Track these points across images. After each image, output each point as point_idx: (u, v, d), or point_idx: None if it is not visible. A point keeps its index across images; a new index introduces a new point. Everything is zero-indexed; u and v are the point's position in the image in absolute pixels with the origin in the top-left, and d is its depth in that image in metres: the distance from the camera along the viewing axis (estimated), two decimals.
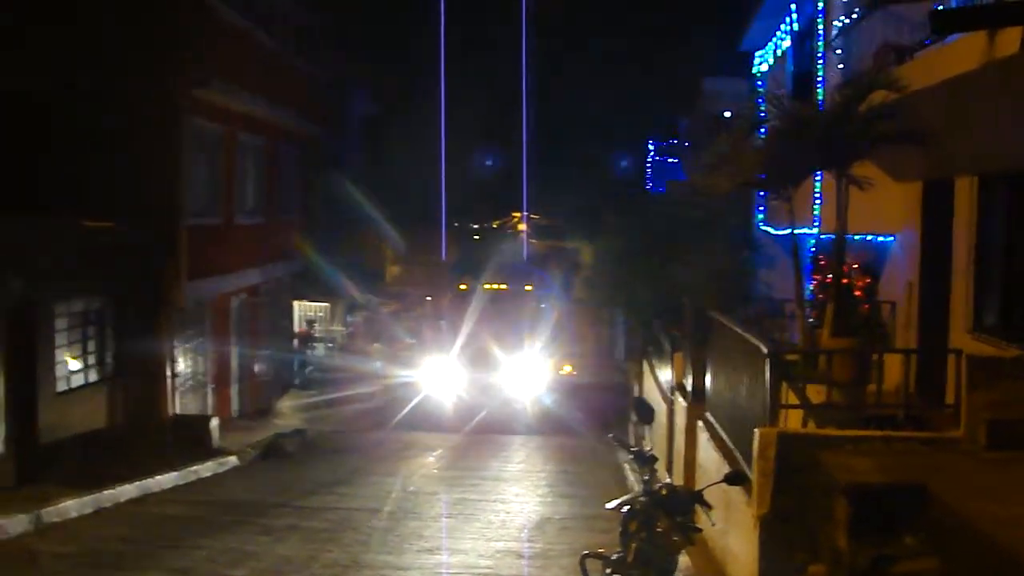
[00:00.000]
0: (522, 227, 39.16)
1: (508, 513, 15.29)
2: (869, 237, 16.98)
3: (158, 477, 16.36)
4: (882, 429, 9.69)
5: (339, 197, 29.79)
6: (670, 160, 34.92)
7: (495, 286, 31.31)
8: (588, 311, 31.50)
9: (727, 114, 21.14)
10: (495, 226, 42.21)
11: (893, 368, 12.44)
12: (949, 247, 13.20)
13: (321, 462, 19.87)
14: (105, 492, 14.86)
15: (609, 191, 31.69)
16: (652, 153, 36.58)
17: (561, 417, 25.77)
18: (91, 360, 17.63)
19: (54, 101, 18.60)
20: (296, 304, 27.63)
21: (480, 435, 24.05)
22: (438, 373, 26.76)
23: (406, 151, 34.32)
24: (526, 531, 14.07)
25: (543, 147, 38.24)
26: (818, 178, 16.41)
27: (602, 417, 25.44)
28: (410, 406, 25.38)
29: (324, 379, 26.74)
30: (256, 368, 24.77)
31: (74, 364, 17.04)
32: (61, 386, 16.54)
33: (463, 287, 31.24)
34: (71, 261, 16.77)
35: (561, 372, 29.20)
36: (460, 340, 27.36)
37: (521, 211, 39.53)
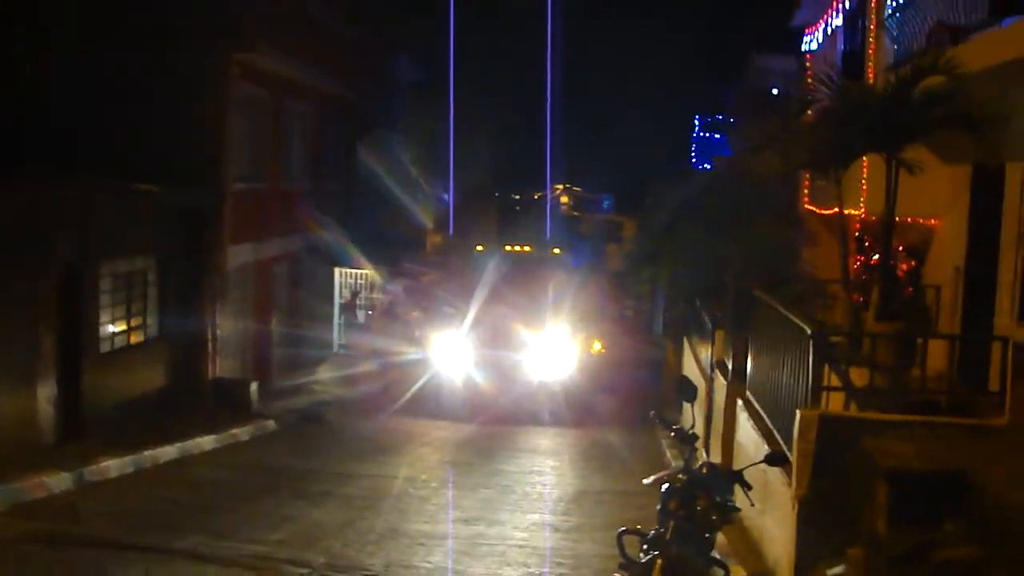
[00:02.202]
0: (565, 199, 38.65)
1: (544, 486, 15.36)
2: (916, 220, 16.81)
3: (198, 439, 16.52)
4: (925, 415, 9.63)
5: (383, 165, 29.77)
6: (716, 136, 34.65)
7: (517, 248, 28.18)
8: (626, 285, 31.06)
9: (775, 91, 20.93)
10: (536, 197, 41.70)
11: (937, 353, 12.33)
12: (997, 233, 13.04)
13: (357, 431, 19.90)
14: (146, 453, 15.01)
15: (654, 165, 31.19)
16: (698, 128, 36.36)
17: (592, 404, 23.12)
18: (134, 322, 17.78)
19: (104, 63, 18.69)
20: (337, 271, 27.70)
21: (491, 427, 21.15)
22: (447, 351, 23.02)
23: (449, 119, 34.05)
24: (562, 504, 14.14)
25: (588, 120, 37.98)
26: (865, 159, 16.24)
27: (639, 397, 23.97)
28: (413, 389, 22.50)
29: (363, 347, 26.66)
30: (297, 334, 24.89)
31: (118, 326, 17.19)
32: (104, 347, 16.70)
33: (480, 248, 27.67)
34: (117, 223, 16.90)
35: (592, 350, 25.28)
36: (473, 313, 23.42)
37: (563, 183, 39.19)
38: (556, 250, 28.73)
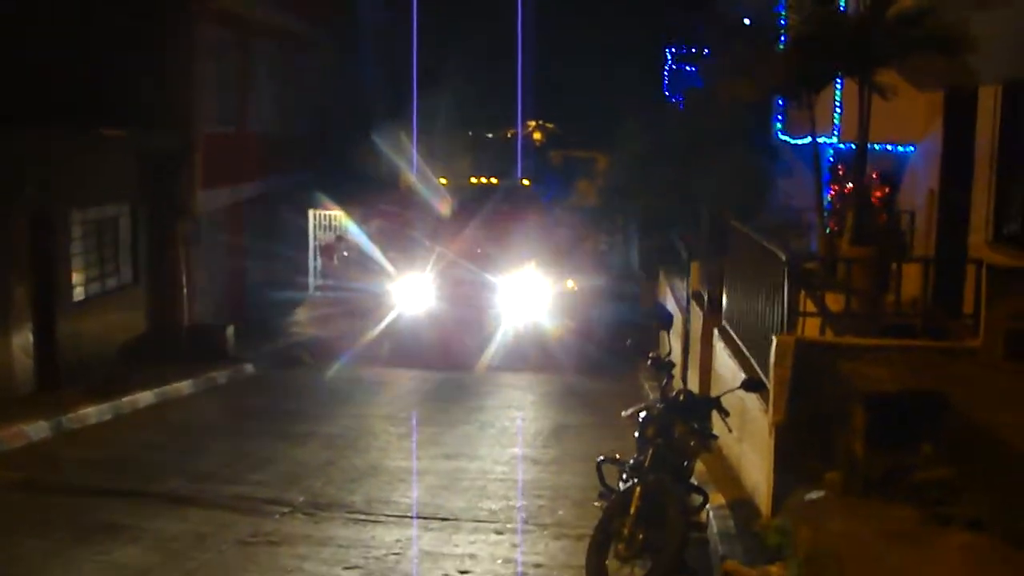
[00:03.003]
0: (538, 135, 38.29)
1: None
2: (889, 147, 16.83)
3: (175, 384, 16.47)
4: (900, 338, 9.68)
5: (356, 106, 29.48)
6: (688, 68, 34.36)
7: (484, 180, 26.64)
8: (600, 220, 30.80)
9: (747, 21, 20.78)
10: (509, 135, 41.38)
11: (911, 278, 12.40)
12: (971, 157, 13.07)
13: (336, 373, 19.80)
14: (123, 399, 14.97)
15: (626, 99, 30.81)
16: (670, 61, 36.03)
17: (566, 344, 21.00)
18: (108, 269, 17.66)
19: (69, 6, 18.40)
20: (312, 213, 27.52)
21: (458, 373, 19.79)
22: (412, 293, 21.73)
23: (421, 59, 33.66)
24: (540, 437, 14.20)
25: (559, 54, 37.55)
26: (839, 85, 16.20)
27: (616, 335, 20.94)
28: (379, 333, 21.33)
29: (339, 288, 26.47)
30: (272, 278, 24.77)
31: (91, 273, 17.06)
32: (78, 295, 16.59)
33: (443, 181, 26.30)
34: (86, 169, 16.71)
35: (565, 288, 23.32)
36: (439, 252, 22.08)
37: (536, 120, 38.85)
38: (525, 181, 27.24)
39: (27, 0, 18.41)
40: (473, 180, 26.39)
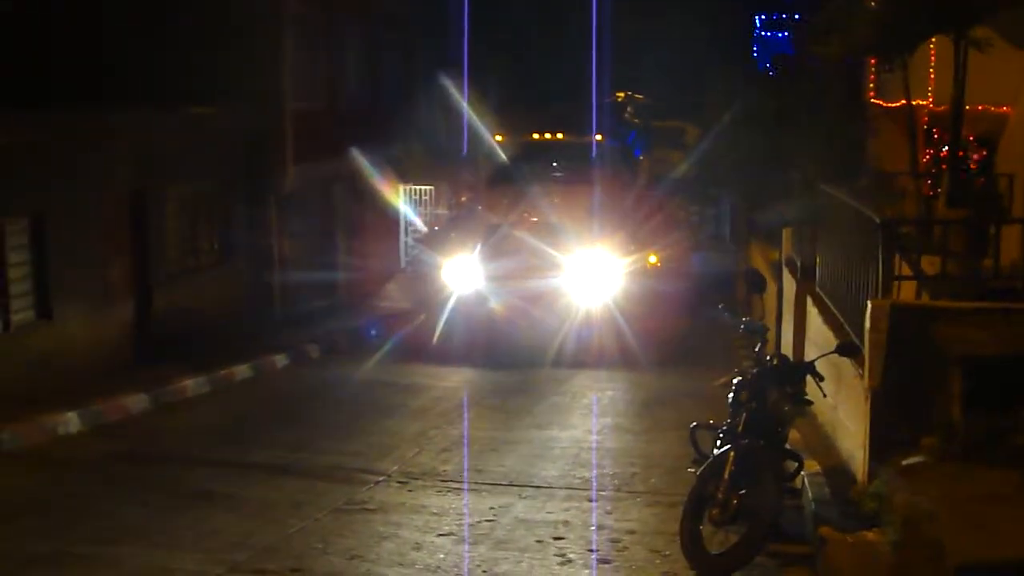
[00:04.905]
0: (628, 109, 37.83)
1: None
2: (985, 108, 16.44)
3: (271, 357, 16.72)
4: (1000, 301, 9.45)
5: (441, 83, 29.50)
6: (779, 34, 33.91)
7: (547, 136, 22.29)
8: (690, 191, 30.37)
9: None
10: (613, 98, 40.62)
11: (1010, 242, 12.10)
12: None
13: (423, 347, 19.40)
14: (220, 372, 15.24)
15: (714, 69, 30.44)
16: (758, 28, 35.62)
17: (647, 335, 17.62)
18: (201, 244, 18.00)
19: None
20: (401, 188, 27.65)
21: (517, 374, 16.65)
22: (464, 279, 18.32)
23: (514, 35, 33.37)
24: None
25: (643, 25, 37.14)
26: (933, 46, 15.85)
27: (707, 303, 18.87)
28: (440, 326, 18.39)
29: (428, 264, 26.18)
30: (363, 252, 24.95)
31: (185, 249, 17.39)
32: (173, 270, 16.94)
33: (499, 138, 22.23)
34: (179, 147, 17.02)
35: (648, 264, 20.71)
36: (496, 231, 18.83)
37: (625, 92, 38.47)
38: (599, 136, 22.35)
39: None
40: (536, 136, 22.11)
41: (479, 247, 18.41)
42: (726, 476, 7.56)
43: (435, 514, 9.17)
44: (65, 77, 17.45)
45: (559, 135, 22.06)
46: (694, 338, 18.90)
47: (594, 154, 21.57)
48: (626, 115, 29.92)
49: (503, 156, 21.66)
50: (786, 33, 32.96)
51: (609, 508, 9.45)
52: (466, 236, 19.44)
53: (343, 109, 23.97)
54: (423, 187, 27.26)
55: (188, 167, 17.40)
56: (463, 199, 24.39)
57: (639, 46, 36.11)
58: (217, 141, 18.35)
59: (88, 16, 18.56)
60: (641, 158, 25.72)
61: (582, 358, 17.31)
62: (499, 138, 21.92)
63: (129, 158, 15.59)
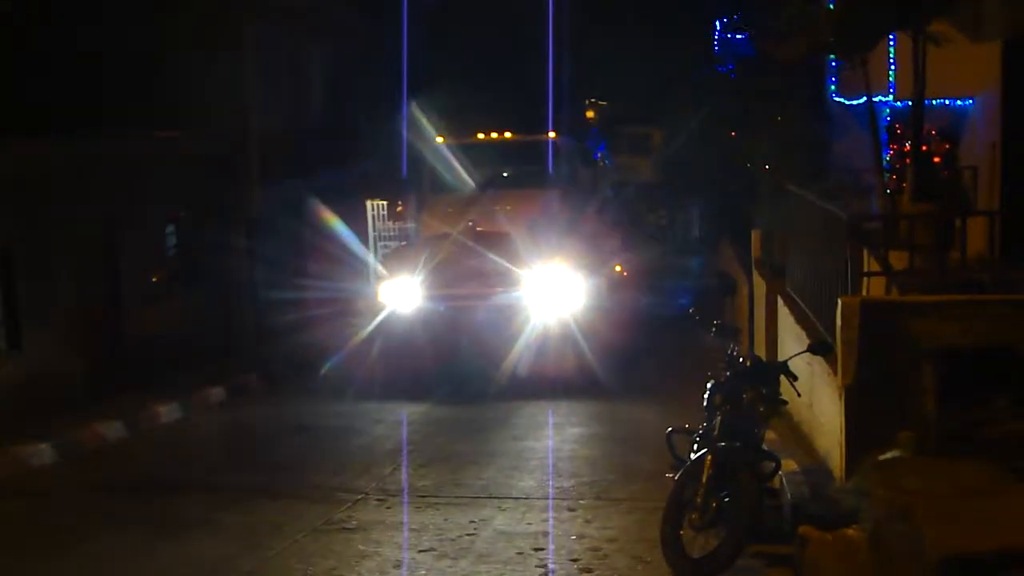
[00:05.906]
0: (590, 113, 37.92)
1: None
2: (947, 102, 16.57)
3: (244, 380, 16.61)
4: (968, 293, 9.51)
5: (398, 94, 29.40)
6: (739, 36, 33.99)
7: (493, 135, 19.89)
8: (658, 195, 30.45)
9: None
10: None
11: (976, 234, 12.20)
12: None
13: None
14: (194, 397, 15.15)
15: (677, 74, 30.59)
16: (719, 31, 35.73)
17: (613, 358, 15.69)
18: (172, 269, 17.90)
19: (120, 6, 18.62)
20: (369, 204, 27.52)
21: (458, 407, 14.97)
22: (402, 300, 16.27)
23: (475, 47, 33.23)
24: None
25: (605, 34, 37.18)
26: (892, 43, 15.97)
27: (676, 331, 17.36)
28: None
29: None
30: (336, 271, 24.84)
31: (156, 273, 17.31)
32: (145, 295, 16.84)
33: (440, 139, 19.44)
34: (146, 172, 16.91)
35: (613, 272, 18.90)
36: (437, 239, 17.05)
37: (587, 100, 38.54)
38: (552, 134, 19.88)
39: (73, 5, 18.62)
40: (480, 136, 19.86)
41: (418, 263, 16.34)
42: (704, 480, 7.57)
43: (414, 530, 9.14)
44: (25, 105, 17.30)
45: (507, 134, 19.77)
46: (665, 352, 17.44)
47: (549, 154, 19.04)
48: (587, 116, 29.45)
49: (448, 161, 19.12)
50: (745, 35, 33.12)
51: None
52: (406, 252, 18.19)
53: (308, 127, 23.90)
54: (383, 202, 27.14)
55: (157, 192, 17.31)
56: (399, 210, 22.63)
57: (601, 54, 36.17)
58: (184, 164, 18.24)
59: (49, 43, 18.40)
60: (600, 157, 23.81)
61: (535, 385, 15.17)
62: (440, 140, 19.49)
63: (98, 185, 15.50)
